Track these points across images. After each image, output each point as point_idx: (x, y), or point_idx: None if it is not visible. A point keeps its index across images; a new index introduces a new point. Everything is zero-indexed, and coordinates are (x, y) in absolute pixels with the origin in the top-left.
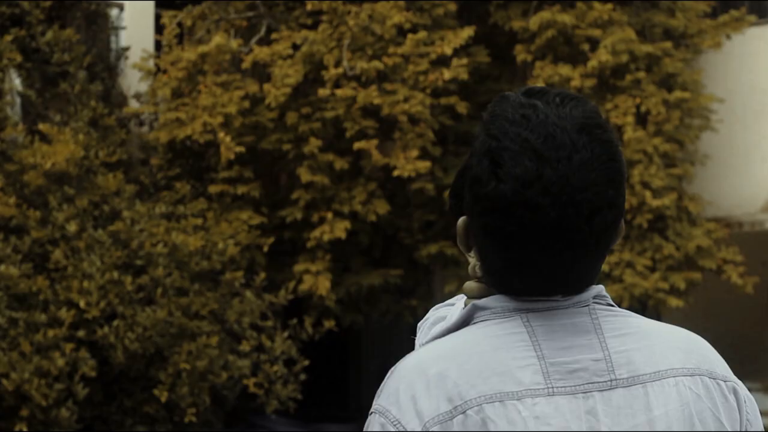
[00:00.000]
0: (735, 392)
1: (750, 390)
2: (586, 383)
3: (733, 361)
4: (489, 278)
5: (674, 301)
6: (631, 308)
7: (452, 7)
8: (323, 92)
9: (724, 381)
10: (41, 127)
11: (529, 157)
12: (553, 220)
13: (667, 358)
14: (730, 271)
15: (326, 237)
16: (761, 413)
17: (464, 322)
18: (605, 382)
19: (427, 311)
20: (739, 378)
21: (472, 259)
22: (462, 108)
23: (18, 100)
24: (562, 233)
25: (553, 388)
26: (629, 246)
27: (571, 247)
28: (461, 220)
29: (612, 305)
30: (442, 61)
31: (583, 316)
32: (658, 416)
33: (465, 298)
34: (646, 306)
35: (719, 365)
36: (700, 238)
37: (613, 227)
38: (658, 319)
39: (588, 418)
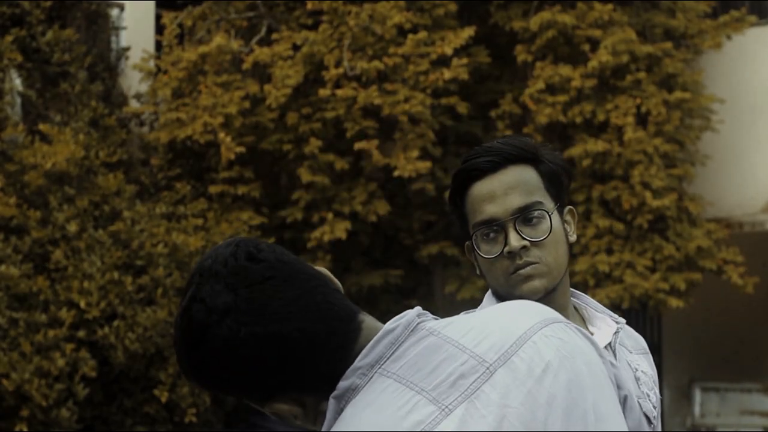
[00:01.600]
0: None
1: (750, 391)
2: (470, 384)
3: (733, 361)
4: (308, 390)
5: (674, 302)
6: (631, 309)
7: (453, 7)
8: (324, 92)
9: (568, 323)
10: (41, 127)
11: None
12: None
13: (518, 326)
14: (730, 271)
15: (327, 237)
16: (761, 414)
17: (335, 415)
18: (484, 373)
19: (428, 311)
20: (739, 378)
21: (292, 410)
22: (462, 108)
23: (18, 100)
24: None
25: (446, 407)
26: (629, 246)
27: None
28: (265, 406)
29: (436, 318)
30: (443, 62)
31: (426, 338)
32: (545, 366)
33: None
34: (646, 306)
35: (557, 313)
36: (700, 239)
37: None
38: (659, 320)
39: (490, 410)
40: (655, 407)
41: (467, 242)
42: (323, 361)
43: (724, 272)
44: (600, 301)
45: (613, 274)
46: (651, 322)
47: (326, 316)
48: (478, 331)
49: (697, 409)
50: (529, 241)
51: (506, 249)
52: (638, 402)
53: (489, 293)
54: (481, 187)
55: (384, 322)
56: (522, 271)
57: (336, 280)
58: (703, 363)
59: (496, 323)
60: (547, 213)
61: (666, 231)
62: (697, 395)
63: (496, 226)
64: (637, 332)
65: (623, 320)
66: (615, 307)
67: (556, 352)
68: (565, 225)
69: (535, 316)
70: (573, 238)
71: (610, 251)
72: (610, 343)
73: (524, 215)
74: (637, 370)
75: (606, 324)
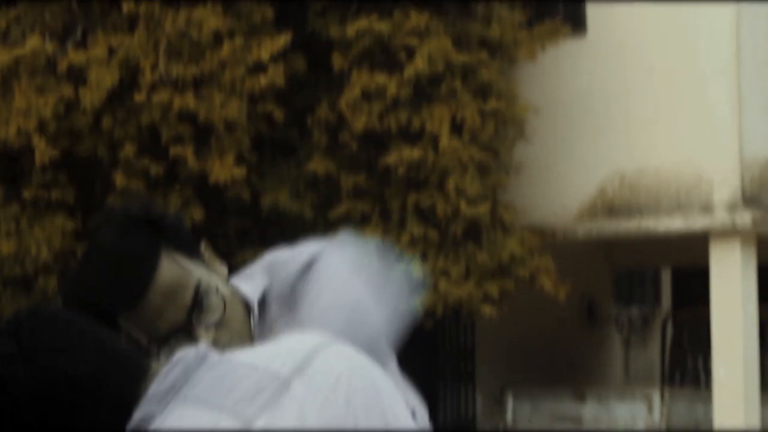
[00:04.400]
0: None
1: (562, 397)
2: (268, 397)
3: (545, 367)
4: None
5: (488, 309)
6: (444, 317)
7: (269, 13)
8: (139, 97)
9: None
10: None
11: None
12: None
13: (307, 343)
14: (543, 279)
15: None
16: (572, 420)
17: None
18: (280, 385)
19: None
20: (552, 383)
21: None
22: (279, 114)
23: None
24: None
25: (248, 419)
26: (443, 254)
27: None
28: None
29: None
30: (259, 67)
31: (219, 364)
32: (338, 376)
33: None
34: (460, 314)
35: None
36: (513, 247)
37: None
38: (473, 327)
39: (290, 418)
40: None
41: None
42: (114, 398)
43: (537, 280)
44: (414, 309)
45: (427, 282)
46: (465, 329)
47: (112, 353)
48: (268, 353)
49: (509, 416)
50: None
51: None
52: None
53: None
54: None
55: None
56: None
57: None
58: (516, 369)
59: (285, 344)
60: None
61: (480, 239)
62: (510, 401)
63: None
64: (452, 339)
65: None
66: (429, 314)
67: (347, 364)
68: None
69: (321, 336)
70: None
71: (424, 258)
72: None
73: None
74: None
75: None
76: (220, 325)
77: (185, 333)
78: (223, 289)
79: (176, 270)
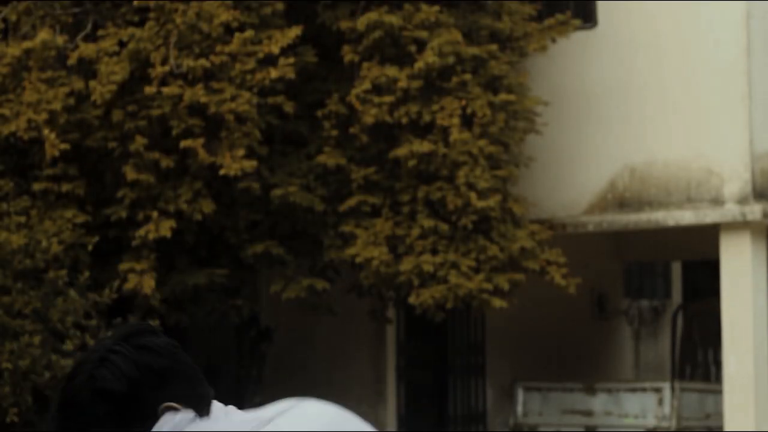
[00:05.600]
0: None
1: (572, 390)
2: (253, 428)
3: (556, 361)
4: None
5: (498, 302)
6: (455, 309)
7: (280, 6)
8: (149, 90)
9: None
10: None
11: None
12: None
13: (282, 403)
14: (553, 272)
15: (151, 236)
16: (583, 413)
17: None
18: (261, 423)
19: (252, 310)
20: (562, 377)
21: None
22: (289, 107)
23: None
24: None
25: None
26: (454, 247)
27: None
28: None
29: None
30: (270, 60)
31: (205, 423)
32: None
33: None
34: (470, 306)
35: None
36: (524, 240)
37: None
38: (483, 320)
39: None
40: None
41: None
42: None
43: (547, 273)
44: (424, 302)
45: (438, 275)
46: (475, 322)
47: None
48: (253, 413)
49: (519, 409)
50: None
51: None
52: None
53: None
54: None
55: (208, 322)
56: None
57: None
58: (526, 362)
59: (267, 407)
60: None
61: (490, 232)
62: (520, 395)
63: None
64: (462, 332)
65: None
66: (439, 307)
67: (322, 408)
68: None
69: (297, 400)
70: None
71: (434, 251)
72: None
73: None
74: None
75: None
76: None
77: None
78: None
79: None
